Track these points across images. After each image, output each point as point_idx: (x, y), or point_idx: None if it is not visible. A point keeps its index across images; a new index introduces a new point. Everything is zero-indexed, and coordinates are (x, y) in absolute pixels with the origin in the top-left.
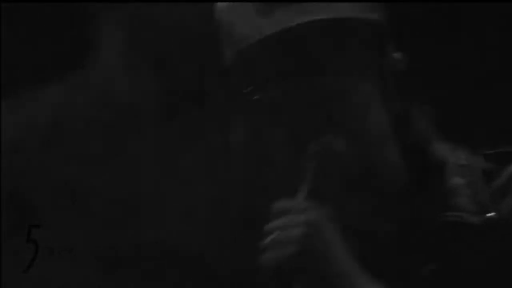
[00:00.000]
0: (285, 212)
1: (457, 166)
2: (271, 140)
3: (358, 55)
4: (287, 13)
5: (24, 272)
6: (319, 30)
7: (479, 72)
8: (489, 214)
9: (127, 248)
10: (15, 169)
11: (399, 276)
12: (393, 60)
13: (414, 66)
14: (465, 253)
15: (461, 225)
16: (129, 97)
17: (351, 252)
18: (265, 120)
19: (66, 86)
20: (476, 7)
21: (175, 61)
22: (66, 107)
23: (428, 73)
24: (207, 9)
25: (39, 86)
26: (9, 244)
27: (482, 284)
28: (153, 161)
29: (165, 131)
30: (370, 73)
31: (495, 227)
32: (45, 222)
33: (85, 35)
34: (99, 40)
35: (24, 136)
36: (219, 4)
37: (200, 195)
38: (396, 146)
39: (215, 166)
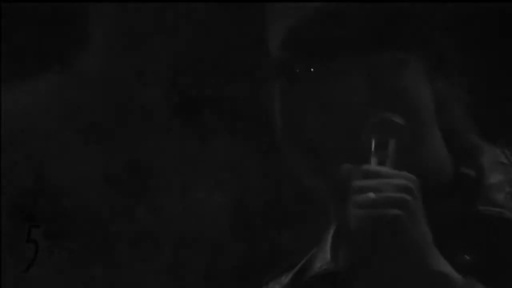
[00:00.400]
0: (374, 175)
1: (498, 163)
2: (329, 113)
3: (413, 32)
4: None
5: (24, 272)
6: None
7: None
8: None
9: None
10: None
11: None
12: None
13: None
14: (503, 248)
15: (500, 221)
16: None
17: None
18: (323, 92)
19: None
20: None
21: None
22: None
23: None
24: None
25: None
26: (9, 244)
27: None
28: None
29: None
30: (421, 51)
31: None
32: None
33: (81, 31)
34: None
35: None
36: None
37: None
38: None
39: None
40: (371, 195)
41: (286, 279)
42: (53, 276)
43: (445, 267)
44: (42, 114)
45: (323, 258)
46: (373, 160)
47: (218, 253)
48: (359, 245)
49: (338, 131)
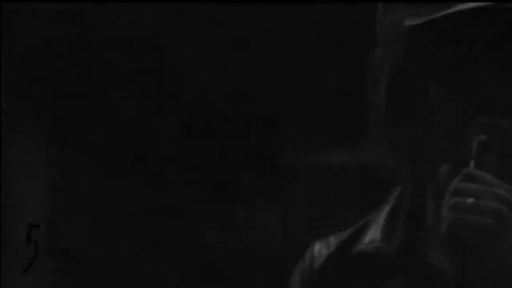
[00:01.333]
0: (473, 180)
1: None
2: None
3: None
4: None
5: (24, 272)
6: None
7: None
8: None
9: None
10: None
11: None
12: None
13: None
14: None
15: None
16: None
17: None
18: (444, 83)
19: None
20: None
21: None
22: None
23: None
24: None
25: None
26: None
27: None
28: None
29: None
30: None
31: None
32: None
33: None
34: None
35: None
36: None
37: None
38: None
39: None
40: (469, 200)
41: (334, 243)
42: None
43: None
44: None
45: (374, 233)
46: (472, 163)
47: None
48: (447, 246)
49: (443, 127)
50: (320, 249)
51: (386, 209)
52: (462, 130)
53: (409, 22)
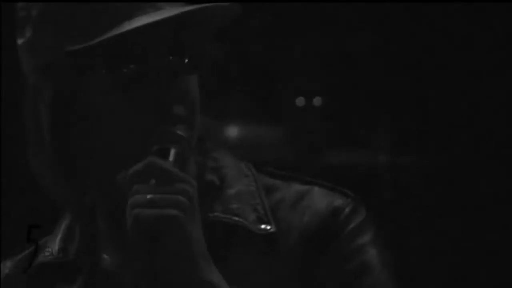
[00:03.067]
0: (156, 175)
1: (241, 175)
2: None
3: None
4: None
5: (24, 272)
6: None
7: None
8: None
9: None
10: None
11: None
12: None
13: None
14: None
15: (236, 229)
16: None
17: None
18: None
19: None
20: None
21: None
22: None
23: None
24: None
25: None
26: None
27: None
28: None
29: None
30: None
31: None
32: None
33: None
34: None
35: None
36: None
37: None
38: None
39: None
40: (149, 196)
41: (10, 265)
42: None
43: (217, 278)
44: None
45: (52, 246)
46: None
47: None
48: (134, 243)
49: (125, 138)
50: (5, 263)
51: (63, 224)
52: (144, 139)
53: (72, 46)
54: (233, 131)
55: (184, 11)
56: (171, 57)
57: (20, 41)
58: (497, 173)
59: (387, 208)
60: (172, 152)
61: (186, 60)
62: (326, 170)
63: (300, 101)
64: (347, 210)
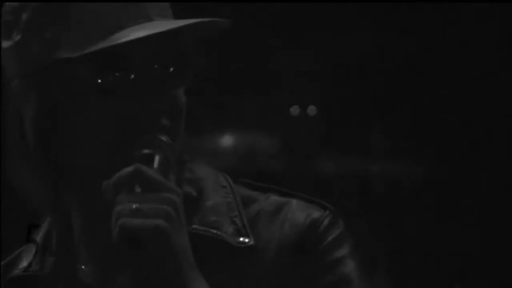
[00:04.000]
0: (145, 182)
1: (219, 186)
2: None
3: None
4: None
5: (24, 271)
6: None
7: None
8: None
9: None
10: None
11: None
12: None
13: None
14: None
15: (215, 242)
16: None
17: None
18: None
19: None
20: None
21: None
22: None
23: None
24: None
25: None
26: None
27: None
28: None
29: None
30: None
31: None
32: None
33: None
34: None
35: None
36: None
37: None
38: None
39: None
40: (135, 205)
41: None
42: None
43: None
44: None
45: (28, 258)
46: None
47: None
48: (119, 253)
49: (109, 145)
50: None
51: (40, 235)
52: (130, 146)
53: (60, 55)
54: (227, 140)
55: (178, 27)
56: (156, 66)
57: (5, 44)
58: (497, 175)
59: (381, 216)
60: (157, 158)
61: (172, 70)
62: (320, 179)
63: (294, 110)
64: (325, 222)
